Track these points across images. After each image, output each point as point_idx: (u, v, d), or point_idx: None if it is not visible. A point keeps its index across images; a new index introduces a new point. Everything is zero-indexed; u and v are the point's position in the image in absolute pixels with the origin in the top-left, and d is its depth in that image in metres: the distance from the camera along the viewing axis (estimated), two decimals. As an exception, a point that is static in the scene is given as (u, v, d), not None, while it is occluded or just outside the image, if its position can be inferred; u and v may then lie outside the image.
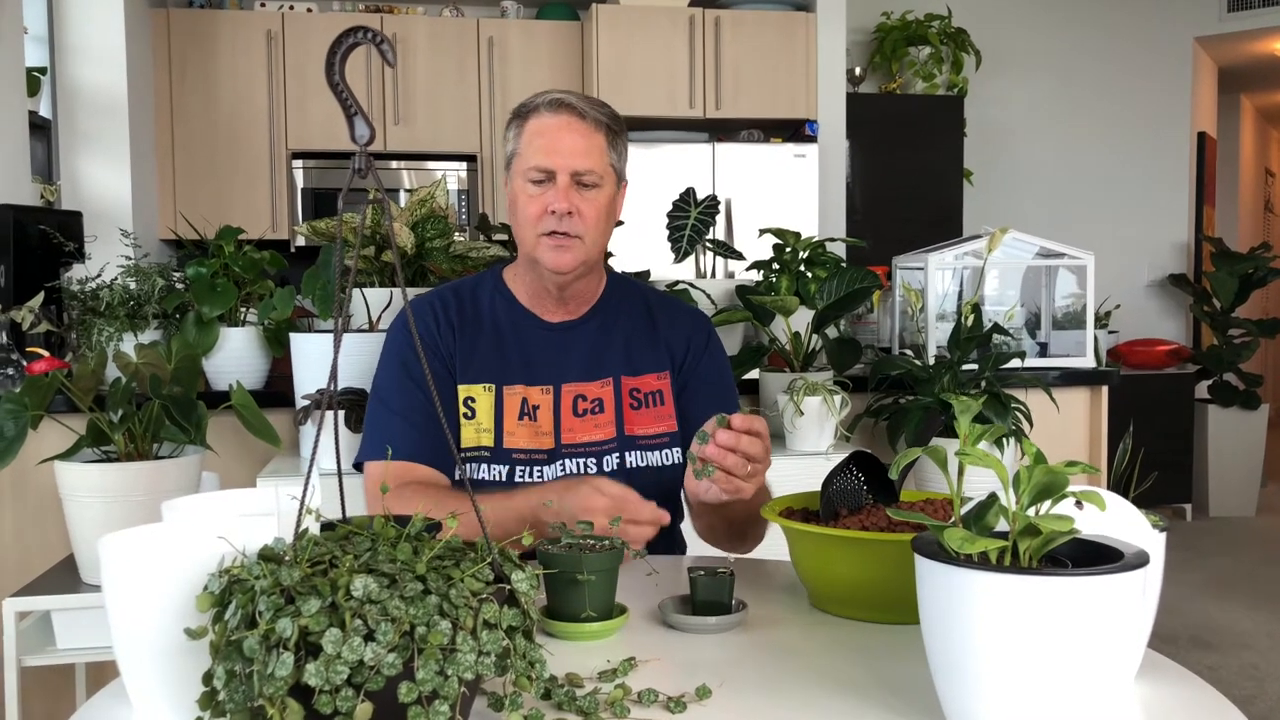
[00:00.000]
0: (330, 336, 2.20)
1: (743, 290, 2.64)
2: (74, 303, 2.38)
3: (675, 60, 4.72)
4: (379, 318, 2.29)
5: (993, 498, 0.85)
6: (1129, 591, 0.78)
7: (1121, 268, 5.89)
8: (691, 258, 4.28)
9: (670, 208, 2.72)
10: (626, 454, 1.54)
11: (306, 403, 2.11)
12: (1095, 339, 2.92)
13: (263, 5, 4.84)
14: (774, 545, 1.50)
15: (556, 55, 4.95)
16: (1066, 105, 6.03)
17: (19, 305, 2.26)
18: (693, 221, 2.65)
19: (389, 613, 0.72)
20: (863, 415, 2.59)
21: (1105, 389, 2.83)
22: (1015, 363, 2.53)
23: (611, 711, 0.87)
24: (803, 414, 2.33)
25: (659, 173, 4.46)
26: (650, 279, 2.64)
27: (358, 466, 1.57)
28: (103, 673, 2.11)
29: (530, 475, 1.51)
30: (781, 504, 1.28)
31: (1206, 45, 6.26)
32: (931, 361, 2.60)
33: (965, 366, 2.47)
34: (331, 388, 0.81)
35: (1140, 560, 0.79)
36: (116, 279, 2.39)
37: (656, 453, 1.56)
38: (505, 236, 3.11)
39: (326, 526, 0.89)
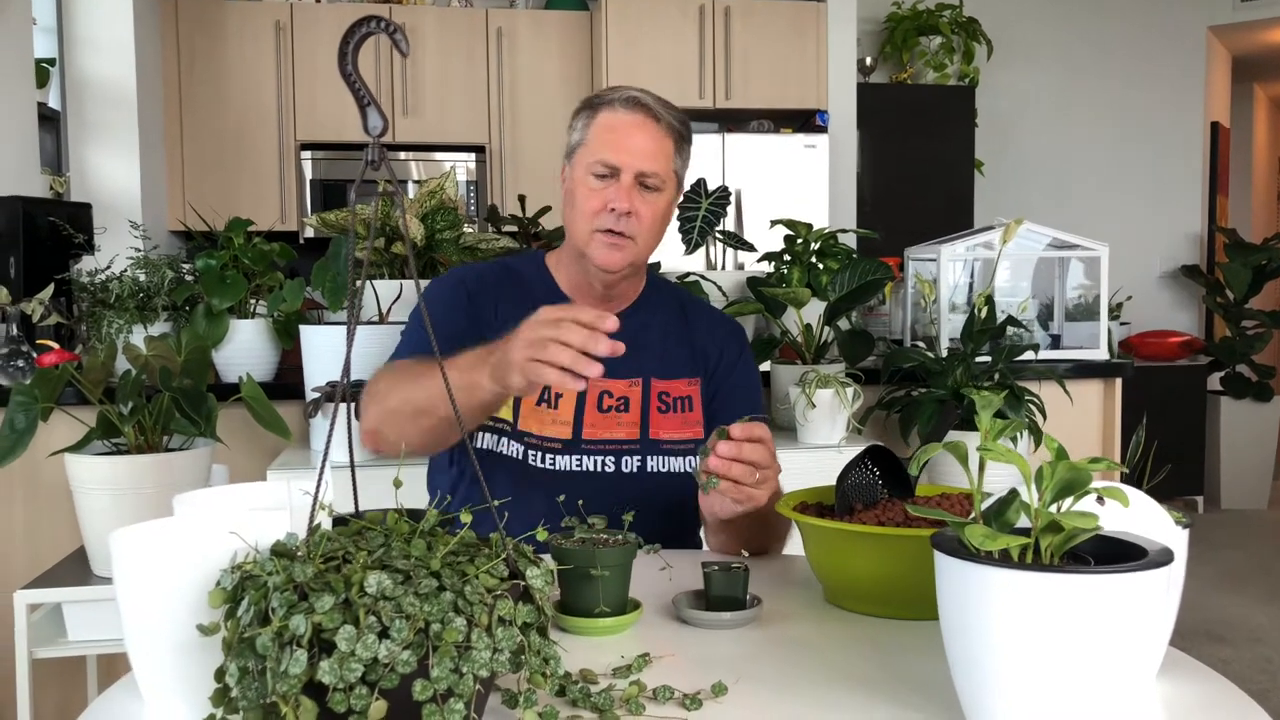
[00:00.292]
0: (340, 329, 2.19)
1: (754, 282, 2.63)
2: (84, 295, 2.38)
3: (685, 50, 4.70)
4: (389, 310, 2.28)
5: (1013, 494, 0.84)
6: (1153, 589, 0.76)
7: (1133, 259, 5.86)
8: (702, 249, 4.27)
9: (680, 199, 2.70)
10: (649, 457, 1.52)
11: (316, 395, 2.10)
12: (1109, 331, 2.90)
13: (271, -4, 4.83)
14: (789, 540, 1.49)
15: (566, 45, 4.93)
16: (1079, 95, 6.00)
17: (29, 297, 2.26)
18: (703, 213, 2.64)
19: (403, 609, 0.71)
20: (874, 408, 2.58)
21: (1119, 381, 2.81)
22: (1028, 355, 2.52)
23: (627, 709, 0.86)
24: (814, 407, 2.32)
25: (668, 164, 4.43)
26: (661, 270, 2.63)
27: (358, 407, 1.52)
28: (114, 665, 2.11)
29: (543, 462, 1.49)
30: (795, 499, 1.27)
31: (1220, 34, 6.20)
32: (944, 354, 2.59)
33: (978, 359, 2.46)
34: (344, 381, 0.80)
35: (1165, 558, 0.77)
36: (126, 271, 2.39)
37: (679, 459, 1.53)
38: (515, 228, 3.11)
39: (339, 521, 0.88)
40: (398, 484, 0.89)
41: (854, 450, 2.26)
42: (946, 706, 0.86)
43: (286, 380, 2.44)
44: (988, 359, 2.47)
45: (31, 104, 3.33)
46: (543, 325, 1.13)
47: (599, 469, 1.51)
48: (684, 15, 4.69)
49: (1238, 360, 5.58)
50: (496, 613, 0.74)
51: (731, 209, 4.52)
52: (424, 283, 1.76)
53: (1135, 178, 6.06)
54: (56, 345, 2.07)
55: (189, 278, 2.42)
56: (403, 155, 4.88)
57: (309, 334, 2.21)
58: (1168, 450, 4.92)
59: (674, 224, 2.77)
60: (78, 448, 1.71)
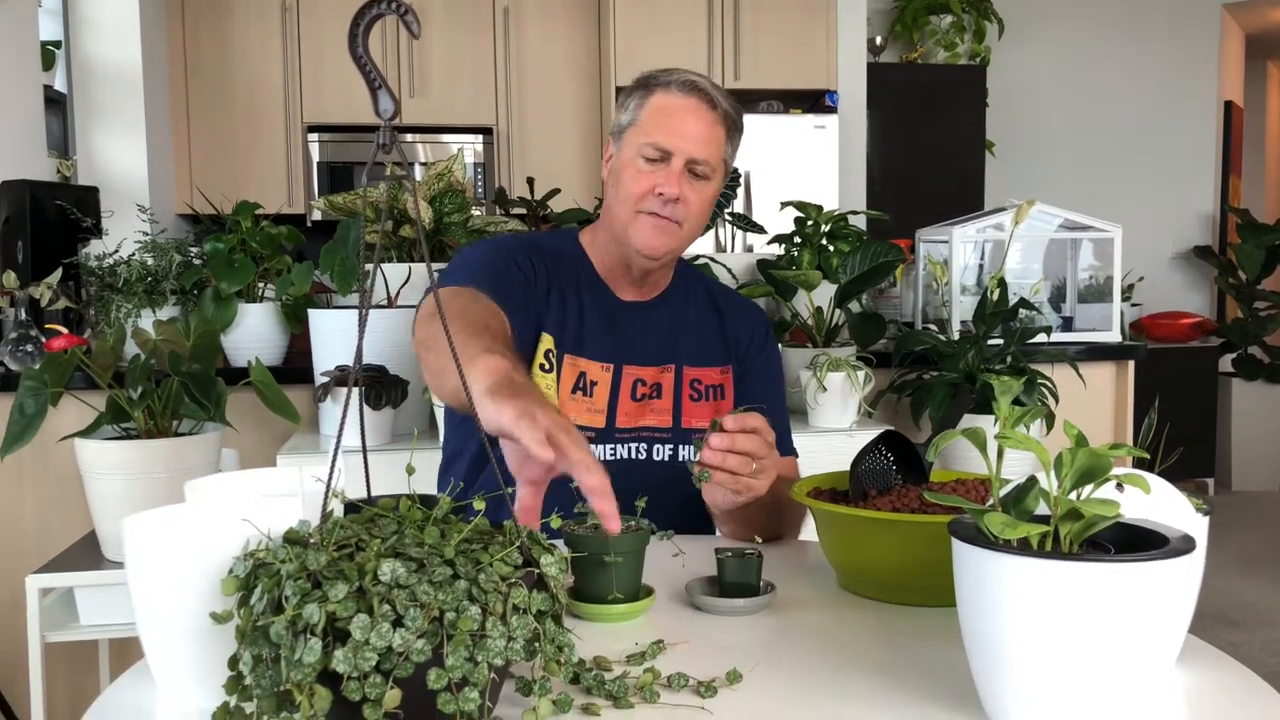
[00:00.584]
0: (348, 312, 2.19)
1: (764, 264, 2.61)
2: (92, 279, 2.38)
3: (693, 30, 4.67)
4: (398, 293, 2.28)
5: (1032, 480, 0.83)
6: (1175, 577, 0.75)
7: (1145, 239, 5.82)
8: (711, 231, 4.25)
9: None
10: (681, 446, 1.51)
11: (325, 379, 2.10)
12: (1121, 313, 2.88)
13: (277, -23, 4.81)
14: (803, 526, 1.48)
15: (574, 25, 4.90)
16: (1090, 74, 5.94)
17: (37, 281, 2.26)
18: (712, 194, 2.61)
19: (417, 598, 0.70)
20: (886, 391, 2.56)
21: (1132, 364, 2.80)
22: (1040, 337, 2.50)
23: (641, 696, 0.86)
24: (826, 390, 2.31)
25: (677, 145, 4.41)
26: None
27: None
28: (126, 649, 2.12)
29: None
30: (809, 484, 1.26)
31: (1234, 12, 6.14)
32: (956, 336, 2.57)
33: (989, 341, 2.44)
34: (356, 366, 0.79)
35: (1187, 546, 0.76)
36: (134, 255, 2.38)
37: None
38: (523, 210, 3.09)
39: (351, 508, 0.88)
40: (410, 470, 0.88)
41: (865, 434, 2.26)
42: (962, 695, 0.85)
43: (295, 364, 2.43)
44: (999, 341, 2.46)
45: (38, 87, 3.32)
46: (556, 430, 0.92)
47: (631, 456, 1.49)
48: (692, -5, 4.66)
49: (1250, 342, 5.55)
50: (511, 601, 0.74)
51: (741, 190, 4.50)
52: (436, 266, 1.74)
53: (1147, 158, 6.02)
54: (65, 330, 2.06)
55: (197, 261, 2.41)
56: (409, 137, 4.86)
57: (317, 318, 2.21)
58: (1179, 432, 4.89)
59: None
60: (88, 432, 1.71)
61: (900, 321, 3.03)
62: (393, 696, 0.69)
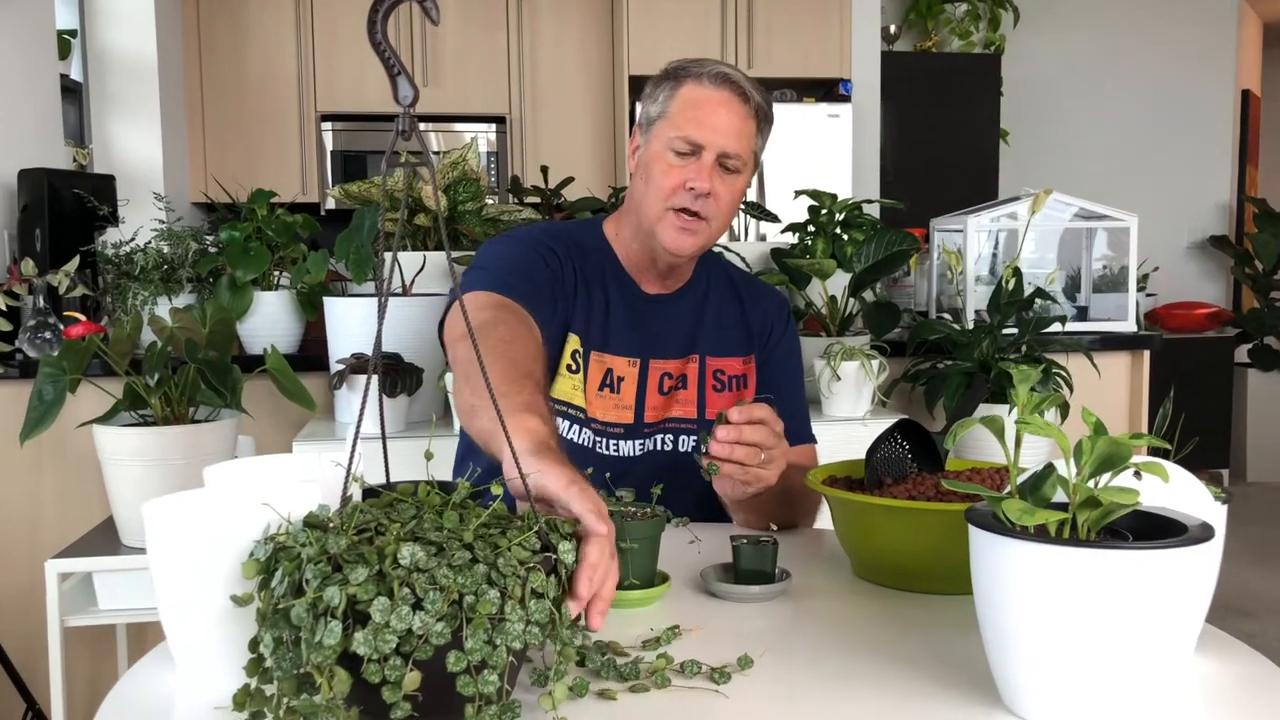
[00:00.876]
0: (363, 300, 2.19)
1: (778, 253, 2.61)
2: (108, 267, 2.39)
3: (707, 18, 4.65)
4: (413, 281, 2.28)
5: (1050, 468, 0.83)
6: (1193, 566, 0.75)
7: (1161, 229, 5.78)
8: (723, 220, 4.23)
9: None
10: (699, 438, 1.51)
11: (341, 366, 2.11)
12: (1136, 303, 2.86)
13: (290, -35, 4.81)
14: (818, 514, 1.48)
15: (587, 14, 4.89)
16: (1106, 63, 5.90)
17: (55, 269, 2.27)
18: (727, 183, 2.61)
19: (437, 581, 0.71)
20: (900, 380, 2.56)
21: (1147, 354, 2.78)
22: (1055, 326, 2.49)
23: (653, 681, 0.86)
24: (840, 379, 2.31)
25: (690, 134, 4.39)
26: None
27: (440, 327, 1.40)
28: (144, 633, 2.14)
29: (607, 448, 1.46)
30: (823, 472, 1.26)
31: (1252, 0, 6.08)
32: (970, 325, 2.56)
33: (1004, 331, 2.43)
34: (376, 354, 0.79)
35: (1206, 534, 0.76)
36: (150, 243, 2.39)
37: None
38: (537, 199, 3.09)
39: (370, 493, 0.88)
40: (429, 456, 0.89)
41: (879, 423, 2.26)
42: (977, 682, 0.85)
43: (310, 352, 2.45)
44: (1013, 331, 2.45)
45: (54, 76, 3.33)
46: (592, 516, 0.86)
47: (658, 448, 1.49)
48: (706, -17, 4.64)
49: (1266, 332, 5.51)
50: (529, 585, 0.74)
51: (754, 179, 4.49)
52: (456, 254, 1.75)
53: (1163, 147, 5.97)
54: (83, 317, 2.08)
55: (212, 249, 2.42)
56: (423, 126, 4.84)
57: (333, 305, 2.21)
58: (1194, 423, 4.85)
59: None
60: (105, 419, 1.72)
61: (914, 311, 3.02)
62: (412, 679, 0.70)
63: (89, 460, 1.85)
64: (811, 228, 2.58)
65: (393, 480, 0.92)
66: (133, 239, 2.44)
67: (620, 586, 1.06)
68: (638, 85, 4.17)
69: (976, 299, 2.68)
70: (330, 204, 4.69)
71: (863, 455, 1.23)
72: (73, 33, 3.98)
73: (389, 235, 2.10)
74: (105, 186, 2.71)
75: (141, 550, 1.64)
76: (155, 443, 1.68)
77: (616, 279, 1.50)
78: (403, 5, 0.71)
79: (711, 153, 1.39)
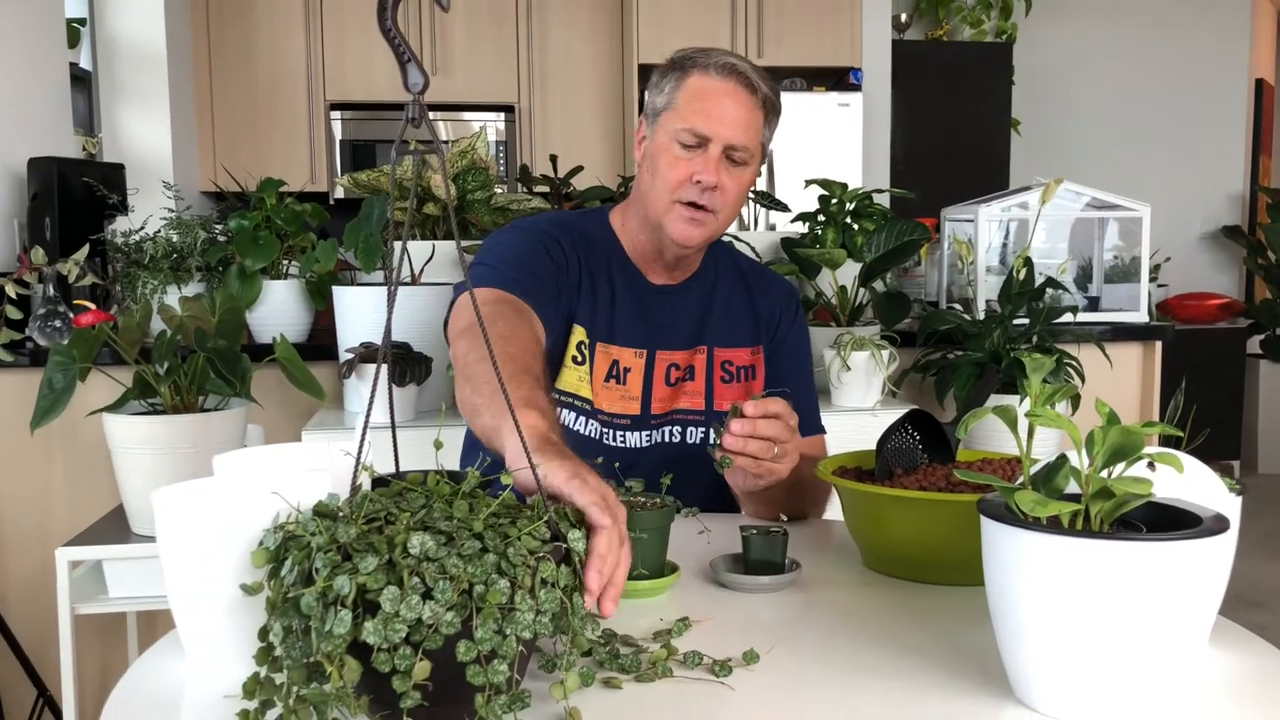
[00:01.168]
0: (372, 289, 2.19)
1: (788, 243, 2.60)
2: (118, 255, 2.39)
3: (717, 6, 4.63)
4: (421, 270, 2.28)
5: (1063, 459, 0.82)
6: (1207, 558, 0.75)
7: (1173, 219, 5.75)
8: (732, 210, 4.21)
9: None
10: (713, 431, 1.51)
11: (350, 355, 2.11)
12: (1148, 293, 2.85)
13: (299, -46, 4.79)
14: (828, 505, 1.48)
15: (597, 2, 4.87)
16: (1118, 52, 5.86)
17: (65, 258, 2.28)
18: (736, 172, 2.60)
19: (447, 570, 0.71)
20: (910, 371, 2.55)
21: (1159, 344, 2.77)
22: (1066, 317, 2.48)
23: (655, 671, 0.86)
24: (850, 369, 2.30)
25: (699, 123, 4.38)
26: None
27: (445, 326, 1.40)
28: (154, 621, 2.15)
29: (614, 440, 1.46)
30: (833, 463, 1.25)
31: (1267, -12, 6.04)
32: (981, 315, 2.55)
33: (1015, 321, 2.42)
34: (385, 343, 0.79)
35: (1221, 525, 0.76)
36: (159, 232, 2.40)
37: None
38: (546, 189, 3.09)
39: (379, 482, 0.88)
40: (438, 445, 0.88)
41: (889, 414, 2.26)
42: (988, 674, 0.85)
43: (319, 341, 2.45)
44: (1024, 321, 2.44)
45: (64, 64, 3.33)
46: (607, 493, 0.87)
47: (666, 440, 1.49)
48: (716, -29, 4.62)
49: (1278, 323, 5.48)
50: (539, 575, 0.74)
51: (764, 168, 4.47)
52: (465, 243, 1.74)
53: (1176, 136, 5.93)
54: (93, 306, 2.08)
55: (222, 238, 2.42)
56: (432, 115, 4.83)
57: (342, 295, 2.21)
58: (1205, 414, 4.83)
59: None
60: (115, 408, 1.72)
61: (925, 300, 3.01)
62: (422, 668, 0.70)
63: (99, 448, 1.85)
64: (821, 217, 2.57)
65: (402, 469, 0.91)
66: (142, 228, 2.44)
67: (630, 576, 1.05)
68: (647, 74, 4.15)
69: (987, 289, 2.66)
70: (339, 193, 4.69)
71: (873, 446, 1.22)
72: (82, 21, 3.98)
73: (398, 224, 2.10)
74: (114, 175, 2.71)
75: (151, 538, 1.64)
76: (165, 431, 1.68)
77: (623, 270, 1.50)
78: (412, -8, 0.70)
79: (718, 145, 1.38)
